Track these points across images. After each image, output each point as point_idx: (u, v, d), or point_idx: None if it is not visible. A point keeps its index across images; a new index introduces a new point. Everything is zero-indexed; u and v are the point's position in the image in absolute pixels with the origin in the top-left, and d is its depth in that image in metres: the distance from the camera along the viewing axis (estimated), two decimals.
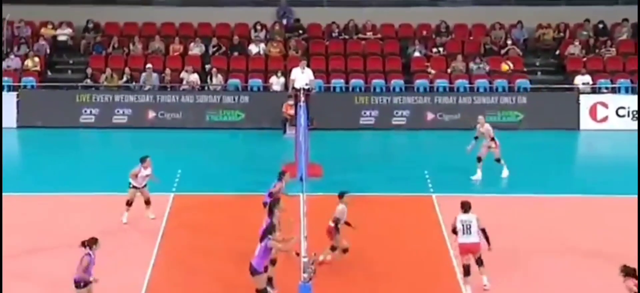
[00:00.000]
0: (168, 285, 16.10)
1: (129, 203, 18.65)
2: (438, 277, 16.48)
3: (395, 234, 18.59)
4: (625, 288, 13.16)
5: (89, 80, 28.70)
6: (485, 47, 30.66)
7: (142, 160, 18.84)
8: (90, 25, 30.87)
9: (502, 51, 30.40)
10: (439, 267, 16.89)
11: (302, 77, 25.64)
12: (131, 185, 18.73)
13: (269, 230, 14.47)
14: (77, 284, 13.95)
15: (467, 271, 15.17)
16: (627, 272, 13.19)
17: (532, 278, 16.29)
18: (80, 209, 19.72)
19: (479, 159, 22.10)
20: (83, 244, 14.08)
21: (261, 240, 14.36)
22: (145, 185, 18.84)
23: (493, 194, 20.16)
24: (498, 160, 22.21)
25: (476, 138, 22.22)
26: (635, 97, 28.22)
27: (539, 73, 30.40)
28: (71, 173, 22.83)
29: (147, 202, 18.86)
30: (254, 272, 14.27)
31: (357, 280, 16.26)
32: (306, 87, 24.97)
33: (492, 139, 22.04)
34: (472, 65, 29.69)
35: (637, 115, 27.86)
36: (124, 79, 28.78)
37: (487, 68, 29.69)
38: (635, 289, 12.98)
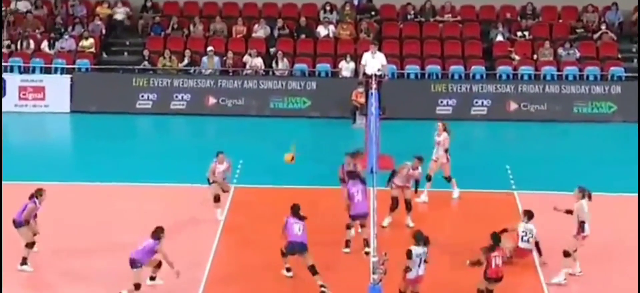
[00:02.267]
0: (226, 283, 16.26)
1: (217, 199, 18.87)
2: (521, 279, 16.33)
3: (473, 234, 18.43)
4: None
5: (146, 63, 29.08)
6: (576, 31, 30.20)
7: (217, 155, 19.05)
8: (149, 5, 31.26)
9: (595, 36, 29.92)
10: (522, 269, 16.74)
11: (373, 62, 25.55)
12: (211, 182, 18.94)
13: None
14: (135, 263, 15.14)
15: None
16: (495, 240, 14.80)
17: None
18: (135, 200, 20.02)
19: (429, 177, 20.18)
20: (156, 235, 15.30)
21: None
22: (225, 179, 19.14)
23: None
24: (448, 179, 20.35)
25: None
26: None
27: (635, 60, 29.83)
28: (126, 162, 23.17)
29: (216, 199, 18.92)
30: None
31: (428, 282, 16.18)
32: (378, 74, 24.88)
33: (446, 151, 20.26)
34: (560, 51, 29.29)
35: (637, 110, 27.04)
36: (184, 62, 29.09)
37: (578, 54, 29.26)
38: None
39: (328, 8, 30.96)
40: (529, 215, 16.99)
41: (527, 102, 28.00)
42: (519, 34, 30.09)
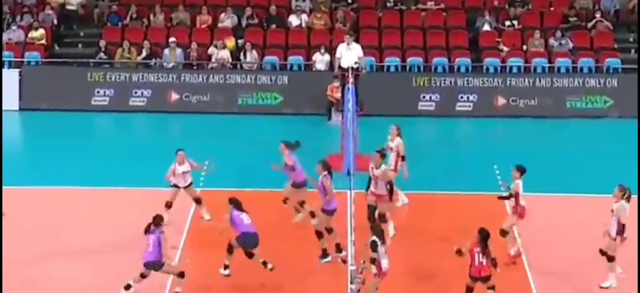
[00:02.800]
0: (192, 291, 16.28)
1: (168, 205, 18.83)
2: (509, 289, 16.43)
3: (460, 238, 18.52)
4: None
5: (102, 56, 28.99)
6: (569, 20, 30.41)
7: (176, 153, 19.07)
8: None
9: (589, 25, 30.15)
10: (511, 277, 16.84)
11: (349, 54, 25.64)
12: (171, 184, 18.96)
13: None
14: (155, 265, 15.62)
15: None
16: (482, 236, 15.00)
17: None
18: (91, 205, 19.95)
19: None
20: (148, 228, 15.79)
21: None
22: (190, 183, 19.09)
23: (576, 194, 20.01)
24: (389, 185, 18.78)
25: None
26: None
27: (633, 51, 30.08)
28: (81, 163, 23.10)
29: (197, 201, 19.17)
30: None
31: (416, 288, 16.27)
32: (355, 67, 24.96)
33: (402, 159, 19.68)
34: (552, 41, 29.49)
35: (637, 103, 27.34)
36: (143, 54, 29.03)
37: (570, 45, 29.46)
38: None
39: None
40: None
41: (516, 96, 28.17)
42: (508, 23, 30.26)
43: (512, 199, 17.60)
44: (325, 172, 17.34)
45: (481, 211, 20.08)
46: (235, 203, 16.56)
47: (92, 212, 19.58)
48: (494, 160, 23.26)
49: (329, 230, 17.33)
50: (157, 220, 15.94)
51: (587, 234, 18.64)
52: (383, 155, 18.57)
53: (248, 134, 25.96)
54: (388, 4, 30.99)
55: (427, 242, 18.50)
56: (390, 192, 18.16)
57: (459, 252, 15.19)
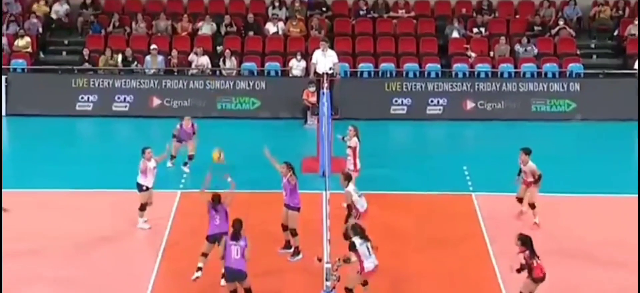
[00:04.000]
0: None
1: (143, 208, 18.79)
2: (478, 285, 16.47)
3: (430, 237, 18.59)
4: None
5: (86, 63, 28.85)
6: (534, 27, 30.53)
7: (143, 152, 18.93)
8: (88, 1, 31.03)
9: (552, 31, 30.28)
10: (480, 274, 16.88)
11: (324, 60, 25.66)
12: (143, 188, 18.78)
13: None
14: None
15: None
16: (522, 241, 14.63)
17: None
18: (75, 208, 19.84)
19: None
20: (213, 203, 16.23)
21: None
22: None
23: (544, 194, 20.06)
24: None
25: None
26: None
27: (595, 56, 30.24)
28: (66, 167, 22.95)
29: (142, 207, 18.93)
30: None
31: (384, 288, 16.27)
32: (330, 72, 24.96)
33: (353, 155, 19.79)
34: (517, 47, 29.59)
35: (637, 104, 27.50)
36: (126, 61, 28.90)
37: (535, 51, 29.58)
38: (525, 261, 14.56)
39: (277, 4, 30.96)
40: None
41: (484, 100, 28.24)
42: (475, 30, 30.34)
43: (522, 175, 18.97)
44: (291, 172, 17.42)
45: (451, 210, 20.17)
46: (214, 199, 16.47)
47: (77, 214, 19.46)
48: (463, 162, 23.33)
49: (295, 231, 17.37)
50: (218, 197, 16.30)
51: (550, 231, 18.77)
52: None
53: (227, 137, 25.86)
54: (361, 12, 31.00)
55: (400, 240, 18.51)
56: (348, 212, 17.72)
57: (519, 270, 14.91)
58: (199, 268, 16.27)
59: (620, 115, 27.81)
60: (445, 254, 17.78)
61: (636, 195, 20.47)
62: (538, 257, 14.67)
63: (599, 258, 17.65)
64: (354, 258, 14.81)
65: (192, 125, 22.53)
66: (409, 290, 16.38)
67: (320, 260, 14.34)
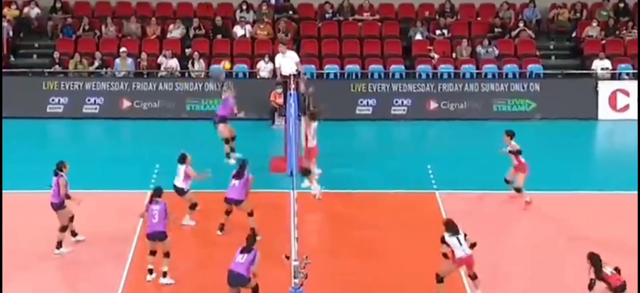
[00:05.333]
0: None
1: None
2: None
3: (395, 235, 18.60)
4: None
5: (57, 66, 28.61)
6: (494, 29, 30.65)
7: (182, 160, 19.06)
8: (58, 5, 30.77)
9: (513, 33, 30.42)
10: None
11: (286, 61, 25.59)
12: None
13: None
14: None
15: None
16: (589, 259, 14.62)
17: (540, 279, 16.35)
18: (46, 208, 19.62)
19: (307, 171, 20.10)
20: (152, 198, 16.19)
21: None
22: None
23: (503, 191, 20.14)
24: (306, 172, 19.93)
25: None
26: None
27: (553, 57, 30.41)
28: (37, 168, 22.68)
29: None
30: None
31: (350, 286, 16.26)
32: (295, 73, 24.90)
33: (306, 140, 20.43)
34: (479, 49, 29.69)
35: (637, 103, 27.74)
36: (96, 64, 28.70)
37: (496, 52, 29.70)
38: (594, 277, 14.51)
39: (244, 7, 30.87)
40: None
41: (447, 100, 28.31)
42: (438, 32, 30.41)
43: (513, 156, 19.89)
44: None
45: (416, 208, 20.20)
46: (154, 192, 16.47)
47: (48, 214, 19.23)
48: (427, 160, 23.36)
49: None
50: (159, 192, 16.21)
51: (510, 227, 18.87)
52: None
53: (196, 138, 25.75)
54: (327, 15, 30.98)
55: (366, 238, 18.52)
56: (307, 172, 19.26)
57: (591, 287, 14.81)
58: (150, 270, 16.19)
59: (578, 114, 28.03)
60: (409, 250, 17.78)
61: (589, 192, 20.72)
62: (616, 269, 14.63)
63: (560, 252, 17.74)
64: (446, 249, 15.55)
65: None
66: (373, 286, 16.35)
67: (288, 258, 14.28)
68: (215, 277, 16.21)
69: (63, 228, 17.54)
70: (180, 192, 18.83)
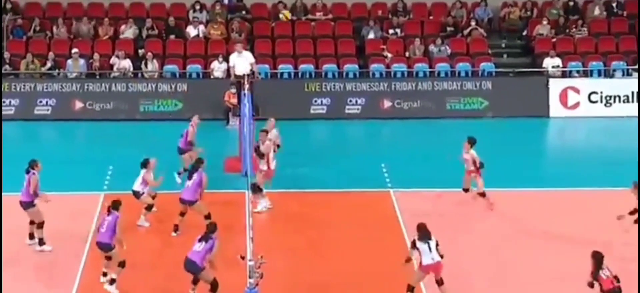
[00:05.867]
0: None
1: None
2: (396, 278, 16.38)
3: (350, 233, 18.51)
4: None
5: (7, 67, 28.16)
6: (447, 28, 30.69)
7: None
8: (8, 6, 30.27)
9: (465, 32, 30.48)
10: (398, 268, 16.79)
11: (241, 61, 25.35)
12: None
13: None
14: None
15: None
16: (593, 257, 14.31)
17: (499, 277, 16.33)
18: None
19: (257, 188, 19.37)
20: (109, 209, 15.79)
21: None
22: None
23: (458, 190, 20.10)
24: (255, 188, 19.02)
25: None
26: (609, 81, 28.49)
27: (505, 56, 30.53)
28: None
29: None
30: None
31: (306, 285, 16.13)
32: (249, 73, 24.71)
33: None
34: (432, 47, 29.71)
35: (637, 101, 27.91)
36: (47, 65, 28.32)
37: (449, 51, 29.75)
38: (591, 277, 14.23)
39: (198, 7, 30.61)
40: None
41: (400, 99, 28.31)
42: (391, 31, 30.39)
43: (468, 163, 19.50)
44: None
45: (370, 207, 20.11)
46: (111, 204, 16.13)
47: (4, 217, 18.87)
48: (381, 159, 23.31)
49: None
50: (116, 204, 15.86)
51: (465, 224, 18.86)
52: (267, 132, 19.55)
53: (150, 139, 25.49)
54: (280, 15, 30.82)
55: (321, 237, 18.40)
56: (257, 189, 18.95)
57: (591, 285, 14.51)
58: (104, 273, 15.99)
59: (529, 112, 28.17)
60: (365, 249, 17.68)
61: (542, 189, 20.79)
62: (615, 277, 14.24)
63: (518, 249, 17.76)
64: (415, 255, 15.09)
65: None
66: (328, 285, 16.23)
67: (243, 258, 14.11)
68: (169, 277, 15.99)
69: (40, 225, 17.40)
70: (137, 195, 18.59)
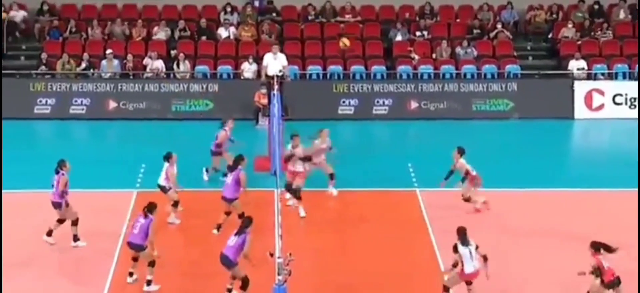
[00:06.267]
0: None
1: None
2: (423, 278, 16.52)
3: (377, 233, 18.64)
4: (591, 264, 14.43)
5: (44, 68, 28.52)
6: (473, 31, 30.75)
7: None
8: (45, 8, 30.68)
9: (491, 34, 30.53)
10: (425, 268, 16.94)
11: (274, 63, 25.63)
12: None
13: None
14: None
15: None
16: (595, 247, 14.41)
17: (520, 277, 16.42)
18: (35, 208, 19.58)
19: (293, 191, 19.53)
20: (145, 212, 15.68)
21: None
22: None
23: (483, 189, 20.19)
24: (292, 189, 19.37)
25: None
26: (634, 83, 28.45)
27: (531, 58, 30.56)
28: (25, 169, 22.64)
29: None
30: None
31: (333, 285, 16.27)
32: (280, 74, 24.92)
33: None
34: (458, 49, 29.78)
35: (637, 103, 27.98)
36: (82, 66, 28.64)
37: (475, 53, 29.80)
38: (597, 265, 14.34)
39: (229, 10, 30.86)
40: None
41: (427, 100, 28.39)
42: (418, 33, 30.49)
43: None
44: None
45: (397, 206, 20.24)
46: (147, 206, 16.08)
47: (37, 214, 19.19)
48: (408, 159, 23.42)
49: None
50: (151, 209, 15.81)
51: (490, 224, 18.93)
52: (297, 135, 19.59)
53: (181, 138, 25.75)
54: (310, 17, 31.01)
55: (349, 236, 18.54)
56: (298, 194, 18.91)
57: (583, 273, 14.68)
58: (130, 273, 16.14)
59: (554, 114, 28.17)
60: (391, 248, 17.81)
61: (566, 189, 20.82)
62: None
63: (542, 248, 17.83)
64: (456, 258, 14.89)
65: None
66: (355, 284, 16.38)
67: (272, 255, 14.30)
68: (199, 275, 16.22)
69: (74, 222, 17.57)
70: (163, 189, 18.78)
